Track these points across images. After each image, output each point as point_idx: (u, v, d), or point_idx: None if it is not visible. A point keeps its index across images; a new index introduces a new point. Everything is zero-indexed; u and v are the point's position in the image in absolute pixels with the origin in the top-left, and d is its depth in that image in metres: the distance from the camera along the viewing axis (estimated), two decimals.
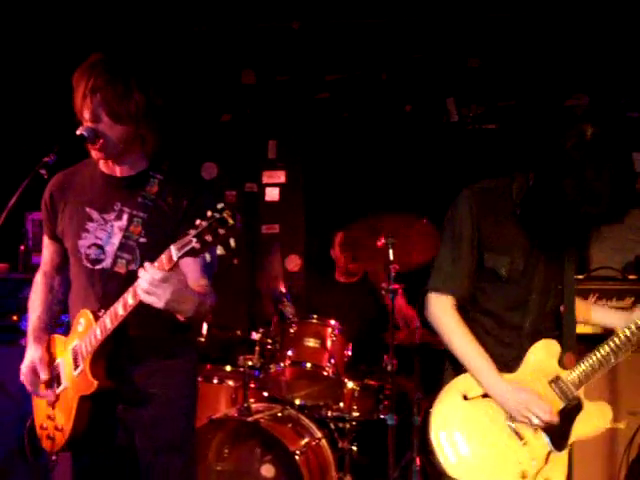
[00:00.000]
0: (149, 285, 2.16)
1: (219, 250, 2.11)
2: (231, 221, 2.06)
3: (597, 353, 2.60)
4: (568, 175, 2.35)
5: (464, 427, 2.53)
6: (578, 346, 2.66)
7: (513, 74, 5.66)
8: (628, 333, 2.62)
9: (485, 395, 2.55)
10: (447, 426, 2.53)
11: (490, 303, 2.63)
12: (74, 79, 2.48)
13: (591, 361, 2.60)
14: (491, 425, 2.53)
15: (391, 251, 4.21)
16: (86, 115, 2.44)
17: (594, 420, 2.62)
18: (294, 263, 6.06)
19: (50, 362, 2.65)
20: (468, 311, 2.63)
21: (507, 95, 5.71)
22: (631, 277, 4.36)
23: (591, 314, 2.85)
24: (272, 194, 6.20)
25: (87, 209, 2.58)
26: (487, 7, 5.54)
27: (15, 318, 4.50)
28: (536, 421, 2.49)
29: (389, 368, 4.14)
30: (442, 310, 2.60)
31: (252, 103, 6.14)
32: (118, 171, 2.59)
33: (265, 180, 6.21)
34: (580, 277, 4.27)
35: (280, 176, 6.20)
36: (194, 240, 2.07)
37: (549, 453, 2.54)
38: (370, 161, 5.92)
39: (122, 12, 5.40)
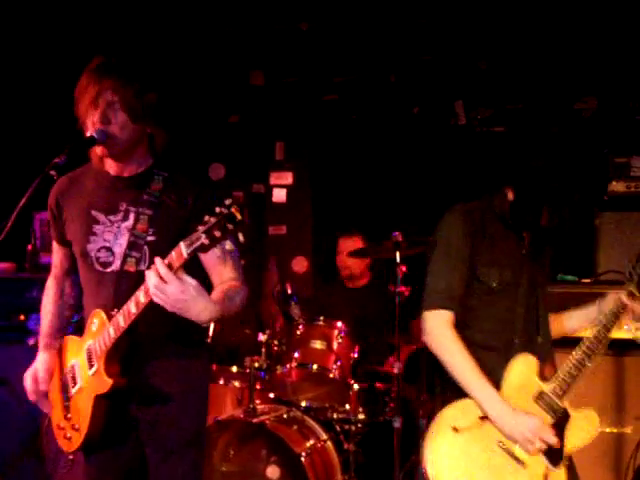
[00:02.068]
0: (154, 287, 2.16)
1: (228, 245, 2.10)
2: (239, 216, 2.06)
3: (572, 359, 2.57)
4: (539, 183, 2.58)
5: (460, 461, 2.49)
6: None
7: (521, 77, 5.65)
8: (596, 333, 2.61)
9: (475, 423, 2.51)
10: (443, 462, 2.50)
11: (483, 320, 2.63)
12: (80, 83, 2.48)
13: (567, 369, 2.57)
14: (487, 453, 2.50)
15: (398, 253, 4.21)
16: (95, 117, 2.44)
17: (583, 429, 2.58)
18: (301, 264, 6.06)
19: (61, 367, 2.67)
20: (462, 330, 2.60)
21: (515, 98, 5.70)
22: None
23: (564, 324, 2.84)
24: (279, 195, 6.21)
25: (93, 212, 2.58)
26: (496, 10, 5.53)
27: (22, 317, 4.51)
28: (538, 445, 2.47)
29: (395, 370, 4.14)
30: (439, 328, 2.57)
31: (260, 104, 6.15)
32: (123, 171, 2.59)
33: (272, 181, 6.22)
34: (587, 281, 4.26)
35: (287, 177, 6.20)
36: (203, 236, 2.07)
37: (547, 471, 2.52)
38: (377, 163, 5.92)
39: (132, 13, 5.41)
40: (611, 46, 5.41)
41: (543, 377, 2.59)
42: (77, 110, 2.51)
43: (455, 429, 2.51)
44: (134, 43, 5.23)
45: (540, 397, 2.56)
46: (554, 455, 2.52)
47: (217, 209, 2.07)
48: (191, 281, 2.18)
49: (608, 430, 3.88)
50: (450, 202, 2.78)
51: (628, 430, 3.90)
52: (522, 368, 2.57)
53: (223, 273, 2.51)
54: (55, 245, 2.78)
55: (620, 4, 5.24)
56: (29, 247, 4.93)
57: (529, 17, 5.53)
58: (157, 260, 2.17)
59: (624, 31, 5.35)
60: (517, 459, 2.50)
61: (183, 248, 2.12)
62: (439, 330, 2.58)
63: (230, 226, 2.07)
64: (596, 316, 2.69)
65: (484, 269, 2.61)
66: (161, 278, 2.14)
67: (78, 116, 2.51)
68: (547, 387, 2.56)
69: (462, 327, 2.60)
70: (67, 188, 2.67)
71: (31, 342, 4.15)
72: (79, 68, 2.53)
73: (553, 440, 2.48)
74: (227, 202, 2.08)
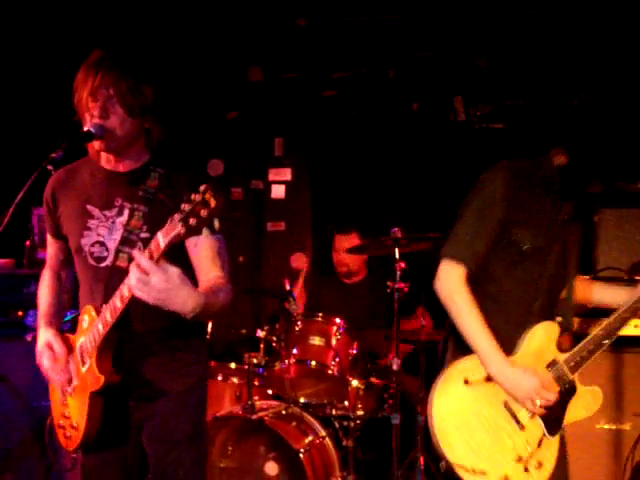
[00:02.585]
0: (136, 281, 2.12)
1: (204, 232, 2.07)
2: (213, 202, 2.02)
3: (592, 337, 2.60)
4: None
5: (465, 412, 2.53)
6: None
7: (521, 73, 5.64)
8: (621, 313, 2.62)
9: (486, 379, 2.54)
10: (448, 410, 2.53)
11: (504, 279, 2.62)
12: (78, 76, 2.47)
13: (586, 344, 2.59)
14: (490, 410, 2.54)
15: (397, 249, 4.21)
16: (94, 111, 2.43)
17: (586, 403, 2.63)
18: (300, 261, 6.05)
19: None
20: (484, 286, 2.61)
21: (514, 94, 5.69)
22: (638, 278, 4.34)
23: (592, 293, 2.86)
24: (278, 191, 6.20)
25: (88, 207, 2.57)
26: (495, 6, 5.53)
27: (20, 314, 4.50)
28: (539, 403, 2.50)
29: (394, 367, 4.14)
30: (454, 283, 2.55)
31: (259, 100, 6.14)
32: (120, 166, 2.58)
33: (271, 177, 6.22)
34: (586, 277, 4.25)
35: (286, 173, 6.20)
36: (179, 225, 2.04)
37: (542, 437, 2.56)
38: (377, 159, 5.91)
39: (131, 8, 5.40)
40: (610, 43, 5.40)
41: (560, 347, 2.61)
42: (75, 103, 2.50)
43: (466, 381, 2.54)
44: (132, 38, 5.22)
45: (552, 366, 2.59)
46: (553, 423, 2.57)
47: (192, 196, 2.03)
48: (174, 269, 2.13)
49: (607, 426, 3.88)
50: (449, 200, 2.77)
51: (627, 427, 3.90)
52: (543, 335, 2.59)
53: (209, 271, 2.46)
54: (50, 238, 2.76)
55: (619, 1, 5.23)
56: (27, 243, 4.92)
57: (528, 13, 5.53)
58: (136, 252, 2.15)
59: (623, 27, 5.34)
60: (518, 422, 2.54)
61: (160, 239, 2.10)
62: (453, 284, 2.56)
63: (204, 212, 2.02)
64: (627, 301, 2.66)
65: (518, 231, 2.57)
66: (143, 270, 2.11)
67: (75, 109, 2.50)
68: (562, 357, 2.60)
69: (482, 284, 2.60)
70: (63, 182, 2.65)
71: (29, 338, 4.15)
72: (77, 62, 2.52)
73: (552, 397, 2.51)
74: (201, 188, 2.03)
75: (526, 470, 2.53)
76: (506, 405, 2.55)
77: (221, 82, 6.09)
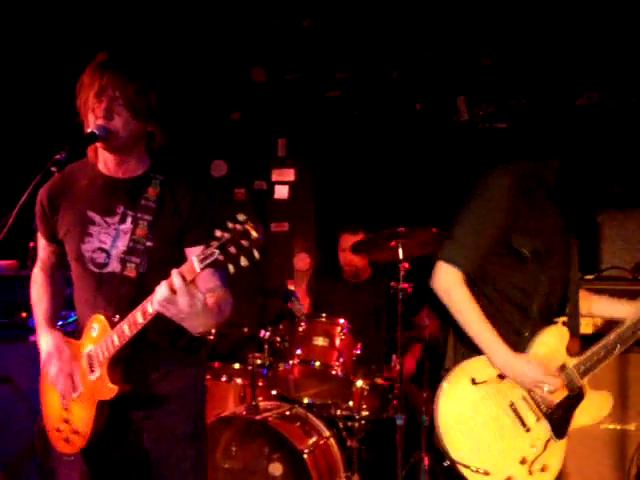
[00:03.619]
0: (163, 298, 2.16)
1: (243, 262, 2.08)
2: (254, 234, 2.04)
3: (603, 344, 2.60)
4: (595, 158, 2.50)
5: (471, 411, 2.53)
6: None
7: (524, 73, 5.64)
8: (632, 324, 2.62)
9: (493, 379, 2.55)
10: (454, 409, 2.54)
11: (504, 282, 2.62)
12: (83, 78, 2.46)
13: (596, 350, 2.60)
14: (496, 410, 2.54)
15: (400, 250, 4.20)
16: (98, 113, 2.43)
17: (594, 408, 2.63)
18: (303, 261, 6.05)
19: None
20: (481, 287, 2.62)
21: (518, 94, 5.69)
22: None
23: (592, 305, 2.85)
24: (281, 192, 6.21)
25: (89, 213, 2.56)
26: (498, 6, 5.52)
27: (24, 315, 4.50)
28: (547, 389, 2.50)
29: (398, 367, 4.14)
30: (453, 283, 2.56)
31: (262, 101, 6.14)
32: (119, 172, 2.56)
33: (274, 178, 6.22)
34: (590, 277, 4.25)
35: (289, 174, 6.20)
36: (217, 252, 2.05)
37: (548, 440, 2.56)
38: (380, 159, 5.91)
39: (134, 10, 5.40)
40: (613, 41, 5.40)
41: (569, 351, 2.61)
42: (78, 105, 2.49)
43: (473, 381, 2.55)
44: (136, 40, 5.23)
45: (562, 370, 2.59)
46: (560, 426, 2.57)
47: (230, 224, 2.04)
48: (200, 296, 2.19)
49: (611, 427, 3.87)
50: (453, 199, 2.76)
51: (631, 427, 3.89)
52: (552, 339, 2.60)
53: (210, 280, 2.48)
54: (43, 241, 2.74)
55: (622, 0, 5.23)
56: (31, 244, 4.92)
57: (531, 13, 5.52)
58: (173, 272, 2.16)
59: (626, 26, 5.33)
60: (524, 423, 2.54)
61: (196, 263, 2.11)
62: (450, 283, 2.57)
63: (245, 243, 2.04)
64: (626, 315, 2.67)
65: (519, 237, 2.57)
66: (173, 290, 2.15)
67: (78, 110, 2.50)
68: (572, 362, 2.60)
69: (480, 285, 2.61)
70: (60, 186, 2.62)
71: (33, 339, 4.14)
72: (80, 65, 2.51)
73: (558, 383, 2.51)
74: (240, 218, 2.04)
75: (530, 473, 2.53)
76: (512, 406, 2.55)
77: (224, 83, 6.09)
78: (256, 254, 2.07)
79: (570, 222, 2.65)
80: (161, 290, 2.17)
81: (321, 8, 5.67)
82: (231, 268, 2.07)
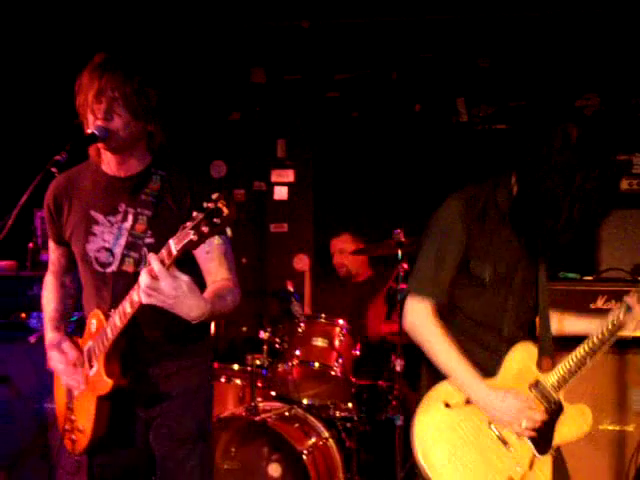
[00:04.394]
0: (145, 285, 2.14)
1: (217, 241, 2.07)
2: (226, 210, 2.02)
3: (573, 356, 2.56)
4: (555, 178, 2.39)
5: (448, 436, 2.49)
6: (555, 348, 2.64)
7: (523, 74, 5.65)
8: (602, 336, 2.57)
9: (467, 402, 2.51)
10: (431, 435, 2.50)
11: (470, 308, 2.60)
12: (82, 78, 2.46)
13: (568, 365, 2.55)
14: (475, 432, 2.50)
15: (399, 251, 4.21)
16: (98, 113, 2.43)
17: (575, 423, 2.58)
18: (302, 262, 6.06)
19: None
20: (449, 317, 2.58)
21: (517, 95, 5.70)
22: None
23: (564, 324, 2.80)
24: (281, 193, 6.21)
25: (92, 213, 2.57)
26: (497, 7, 5.53)
27: (23, 315, 4.50)
28: (525, 425, 2.46)
29: (397, 368, 4.14)
30: (422, 317, 2.54)
31: (262, 102, 6.14)
32: (121, 171, 2.57)
33: (274, 179, 6.22)
34: (589, 278, 4.25)
35: (289, 175, 6.20)
36: (191, 232, 2.04)
37: (533, 458, 2.51)
38: (379, 161, 5.92)
39: (133, 10, 5.41)
40: (613, 43, 5.40)
41: (541, 369, 2.58)
42: (77, 105, 2.49)
43: (447, 404, 2.51)
44: (135, 40, 5.23)
45: (535, 386, 2.56)
46: (542, 443, 2.52)
47: (204, 204, 2.04)
48: (183, 277, 2.15)
49: (610, 427, 3.87)
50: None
51: (630, 428, 3.89)
52: (521, 356, 2.57)
53: (216, 273, 2.48)
54: (52, 244, 2.76)
55: (621, 1, 5.23)
56: (30, 245, 4.92)
57: (531, 14, 5.53)
58: (151, 256, 2.15)
59: (626, 28, 5.34)
60: (504, 442, 2.50)
61: (172, 245, 2.10)
62: (422, 320, 2.54)
63: (217, 221, 2.02)
64: (597, 329, 2.62)
65: (477, 263, 2.56)
66: (153, 276, 2.12)
67: (78, 111, 2.50)
68: (544, 378, 2.56)
69: (450, 314, 2.59)
70: (64, 187, 2.64)
71: (32, 340, 4.15)
72: (79, 66, 2.52)
73: (539, 417, 2.47)
74: (214, 196, 2.04)
75: None
76: (489, 426, 2.50)
77: (224, 84, 6.10)
78: (229, 231, 2.06)
79: (531, 245, 2.57)
80: (143, 278, 2.14)
81: (321, 9, 5.69)
82: (205, 247, 2.04)
